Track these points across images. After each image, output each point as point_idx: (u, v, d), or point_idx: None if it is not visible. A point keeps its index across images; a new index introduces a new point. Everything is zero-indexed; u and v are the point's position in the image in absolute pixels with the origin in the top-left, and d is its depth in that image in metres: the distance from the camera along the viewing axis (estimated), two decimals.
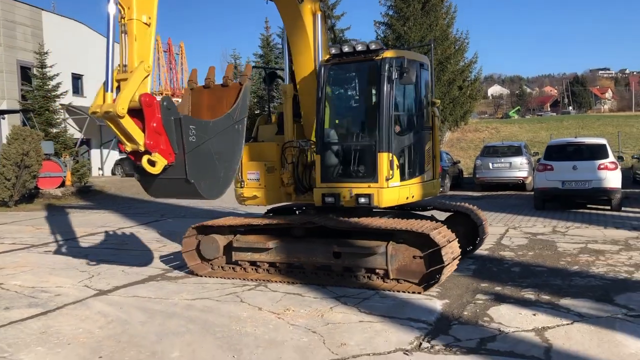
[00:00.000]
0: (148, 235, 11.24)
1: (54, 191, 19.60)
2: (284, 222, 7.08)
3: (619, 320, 5.19)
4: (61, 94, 25.58)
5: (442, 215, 8.02)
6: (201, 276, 7.36)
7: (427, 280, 6.29)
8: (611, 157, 13.33)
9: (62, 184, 20.27)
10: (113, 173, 30.83)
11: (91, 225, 13.10)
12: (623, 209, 13.29)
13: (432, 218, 7.46)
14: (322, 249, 6.76)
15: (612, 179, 12.93)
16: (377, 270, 6.51)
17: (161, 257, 8.95)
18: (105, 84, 4.99)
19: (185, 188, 5.37)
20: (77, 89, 29.72)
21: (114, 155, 31.83)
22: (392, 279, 6.45)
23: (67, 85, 27.05)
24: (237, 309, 5.88)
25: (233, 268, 7.44)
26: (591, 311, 5.49)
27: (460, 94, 39.23)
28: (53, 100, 24.95)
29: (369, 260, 6.50)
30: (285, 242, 7.04)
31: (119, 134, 5.13)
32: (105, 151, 31.38)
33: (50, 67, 24.88)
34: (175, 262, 8.45)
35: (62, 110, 26.07)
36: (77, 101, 28.42)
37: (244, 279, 7.14)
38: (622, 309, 5.53)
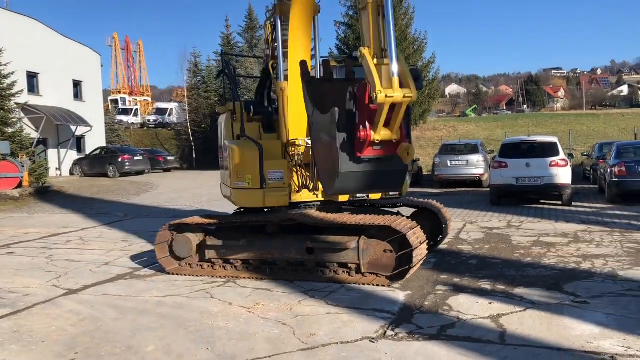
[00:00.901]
0: (113, 236, 11.22)
1: (12, 192, 19.16)
2: (264, 220, 7.27)
3: (567, 307, 5.60)
4: (16, 93, 24.96)
5: (408, 211, 8.36)
6: (170, 274, 7.48)
7: (396, 273, 6.59)
8: (562, 155, 13.99)
9: (20, 185, 19.84)
10: (71, 173, 30.24)
11: (53, 225, 12.95)
12: (573, 203, 13.96)
13: (398, 214, 7.77)
14: (296, 245, 6.99)
15: (563, 176, 13.59)
16: (349, 265, 6.78)
17: (128, 256, 8.99)
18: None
19: (389, 179, 5.74)
20: (33, 88, 28.99)
21: (72, 155, 31.23)
22: (365, 273, 6.73)
23: (22, 83, 26.39)
24: (208, 305, 6.05)
25: (201, 265, 7.59)
26: (542, 299, 5.90)
27: (419, 93, 39.87)
28: (8, 99, 24.32)
29: (342, 255, 6.77)
30: (259, 239, 7.24)
31: (381, 120, 5.16)
32: (62, 151, 30.73)
33: (5, 65, 24.24)
34: (143, 261, 8.53)
35: (17, 110, 25.42)
36: (33, 100, 27.75)
37: (213, 276, 7.30)
38: (570, 296, 5.96)
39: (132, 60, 67.32)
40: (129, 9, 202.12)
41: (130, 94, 63.40)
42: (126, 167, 29.01)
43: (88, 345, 4.90)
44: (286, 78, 7.30)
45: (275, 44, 7.61)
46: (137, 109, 53.51)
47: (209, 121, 38.29)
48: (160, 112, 50.59)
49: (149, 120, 49.48)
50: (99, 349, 4.81)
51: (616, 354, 4.30)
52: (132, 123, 48.07)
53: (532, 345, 4.59)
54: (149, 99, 66.80)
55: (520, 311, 5.50)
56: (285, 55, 7.37)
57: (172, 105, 51.09)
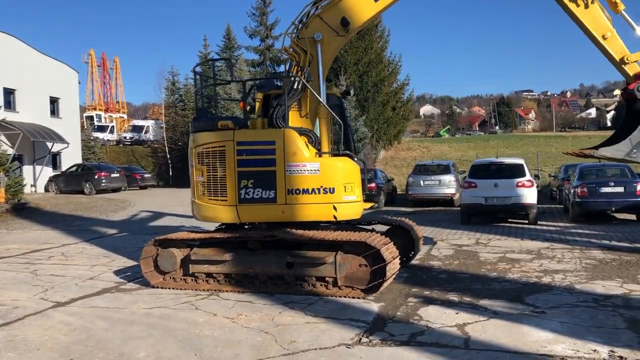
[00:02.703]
0: (94, 251, 11.45)
1: None
2: (246, 236, 7.67)
3: (527, 316, 6.11)
4: None
5: (383, 228, 8.85)
6: (155, 287, 7.80)
7: (370, 286, 7.04)
8: (528, 176, 14.71)
9: None
10: (46, 190, 30.10)
11: (33, 242, 13.09)
12: (539, 222, 14.66)
13: (373, 231, 8.24)
14: (276, 260, 7.41)
15: (529, 196, 14.28)
16: (326, 278, 7.20)
17: (112, 271, 9.27)
18: None
19: None
20: (10, 104, 28.94)
21: (47, 172, 31.10)
22: (341, 286, 7.16)
23: None
24: (193, 316, 6.41)
25: (185, 279, 7.93)
26: (505, 309, 6.40)
27: (394, 114, 40.91)
28: None
29: (320, 269, 7.20)
30: (241, 254, 7.61)
31: None
32: (38, 167, 30.60)
33: None
34: (127, 275, 8.83)
35: None
36: (9, 116, 27.70)
37: (196, 290, 7.64)
38: (529, 307, 6.48)
39: (109, 77, 67.19)
40: (107, 25, 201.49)
41: (106, 110, 63.18)
42: (103, 184, 29.01)
43: (82, 352, 5.22)
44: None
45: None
46: (113, 126, 53.40)
47: (185, 139, 38.49)
48: (137, 129, 50.58)
49: (125, 137, 49.41)
50: (93, 355, 5.13)
51: (566, 356, 4.81)
52: (108, 140, 47.94)
53: (493, 349, 5.06)
54: (125, 116, 66.60)
55: (484, 320, 5.98)
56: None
57: (149, 123, 51.11)
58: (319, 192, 7.50)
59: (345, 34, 8.03)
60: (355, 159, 8.16)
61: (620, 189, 14.43)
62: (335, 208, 7.55)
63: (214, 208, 7.79)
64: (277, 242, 7.43)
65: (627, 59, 8.36)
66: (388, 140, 42.02)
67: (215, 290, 7.56)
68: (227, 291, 7.50)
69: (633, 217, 14.81)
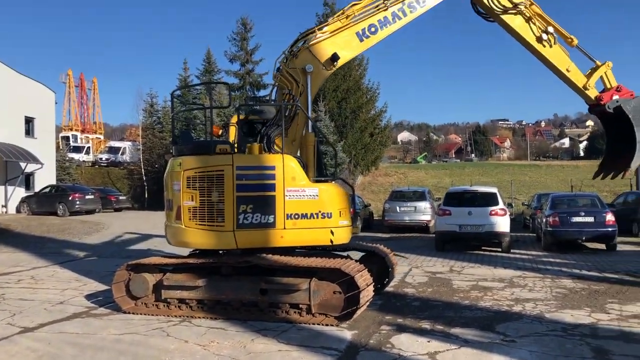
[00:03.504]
0: (66, 275, 11.26)
1: None
2: (220, 262, 7.63)
3: (497, 345, 6.19)
4: None
5: (358, 255, 8.89)
6: (126, 312, 7.70)
7: (344, 313, 7.05)
8: (501, 204, 14.96)
9: None
10: (18, 211, 29.52)
11: (2, 265, 12.81)
12: (512, 250, 14.86)
13: (348, 257, 8.27)
14: (249, 286, 7.37)
15: (502, 224, 14.51)
16: (300, 305, 7.18)
17: (83, 295, 9.12)
18: None
19: None
20: None
21: (20, 192, 30.55)
22: (315, 313, 7.15)
23: None
24: (164, 342, 6.34)
25: (157, 305, 7.84)
26: (476, 338, 6.47)
27: (372, 140, 41.31)
28: None
29: (294, 296, 7.18)
30: (214, 280, 7.57)
31: None
32: (10, 188, 30.05)
33: None
34: (98, 300, 8.69)
35: None
36: None
37: (168, 316, 7.56)
38: (500, 336, 6.56)
39: (86, 98, 66.78)
40: (86, 46, 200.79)
41: (83, 131, 62.60)
42: (76, 206, 28.58)
43: None
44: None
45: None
46: (89, 147, 52.85)
47: (162, 161, 38.27)
48: (113, 150, 50.16)
49: (101, 159, 48.91)
50: None
51: None
52: (84, 161, 47.40)
53: None
54: (102, 137, 66.06)
55: (455, 349, 6.04)
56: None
57: (126, 144, 50.73)
58: (318, 217, 7.60)
59: (331, 68, 8.42)
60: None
61: (591, 219, 14.75)
62: (332, 232, 7.69)
63: (206, 234, 7.57)
64: (251, 268, 7.42)
65: (587, 86, 9.50)
66: (366, 166, 42.32)
67: (187, 317, 7.48)
68: (199, 317, 7.44)
69: (603, 246, 15.11)
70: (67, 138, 54.99)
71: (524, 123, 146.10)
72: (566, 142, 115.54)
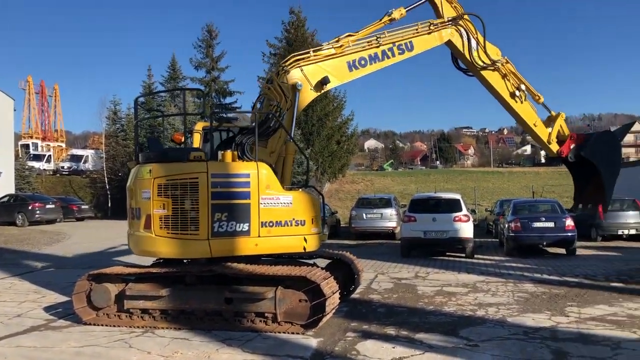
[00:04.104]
0: (24, 287, 10.93)
1: None
2: (184, 271, 7.51)
3: (460, 349, 6.27)
4: None
5: (324, 262, 8.90)
6: (87, 324, 7.52)
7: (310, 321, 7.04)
8: (464, 211, 15.19)
9: None
10: None
11: None
12: (476, 256, 15.11)
13: (314, 265, 8.27)
14: (214, 295, 7.29)
15: (466, 230, 14.74)
16: (266, 314, 7.13)
17: (42, 307, 8.87)
18: None
19: None
20: None
21: None
22: (281, 322, 7.10)
23: None
24: (126, 354, 6.21)
25: (119, 316, 7.68)
26: (440, 343, 6.54)
27: (338, 148, 41.51)
28: None
29: (259, 304, 7.13)
30: (178, 289, 7.45)
31: None
32: None
33: None
34: (58, 312, 8.47)
35: None
36: None
37: (131, 327, 7.41)
38: (463, 340, 6.65)
39: (47, 105, 65.21)
40: (47, 52, 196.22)
41: (43, 139, 61.05)
42: (36, 216, 27.86)
43: None
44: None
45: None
46: (50, 155, 51.52)
47: (126, 169, 37.63)
48: (75, 158, 49.07)
49: (62, 167, 47.76)
50: None
51: None
52: (44, 169, 46.20)
53: None
54: (63, 145, 64.55)
55: (419, 354, 6.09)
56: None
57: (88, 152, 49.73)
58: (292, 225, 7.64)
59: (320, 90, 8.72)
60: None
61: (551, 224, 15.12)
62: (305, 240, 7.75)
63: (179, 242, 7.39)
64: (216, 277, 7.34)
65: (550, 139, 10.52)
66: (333, 173, 42.51)
67: (150, 327, 7.35)
68: (162, 328, 7.32)
69: (563, 251, 15.49)
70: (26, 146, 53.57)
71: (487, 130, 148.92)
72: (528, 149, 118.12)
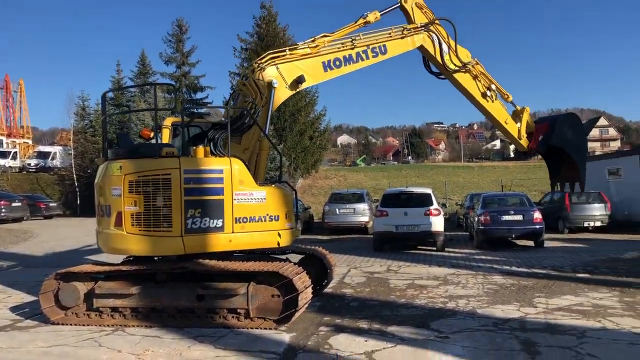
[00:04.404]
0: None
1: None
2: (154, 268, 7.42)
3: (431, 341, 6.35)
4: None
5: (297, 257, 8.90)
6: (55, 324, 7.38)
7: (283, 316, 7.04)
8: (435, 205, 15.37)
9: None
10: None
11: None
12: (447, 249, 15.30)
13: (287, 260, 8.26)
14: (186, 292, 7.23)
15: (436, 224, 14.91)
16: (238, 310, 7.10)
17: (8, 307, 8.67)
18: None
19: None
20: None
21: None
22: (253, 317, 7.08)
23: None
24: (96, 353, 6.12)
25: (88, 315, 7.56)
26: (411, 335, 6.61)
27: (311, 143, 41.49)
28: None
29: (232, 300, 7.10)
30: (149, 287, 7.37)
31: None
32: None
33: None
34: (25, 312, 8.29)
35: None
36: None
37: (101, 325, 7.30)
38: (434, 332, 6.73)
39: (12, 101, 63.52)
40: (12, 46, 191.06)
41: (9, 135, 59.46)
42: (2, 214, 27.19)
43: None
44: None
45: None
46: (15, 152, 50.23)
47: (95, 166, 37.00)
48: (42, 155, 47.91)
49: (29, 164, 46.59)
50: None
51: None
52: (10, 166, 45.03)
53: None
54: (30, 141, 62.99)
55: (391, 347, 6.15)
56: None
57: (56, 149, 48.65)
58: (265, 220, 7.67)
59: (295, 89, 8.76)
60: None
61: (520, 217, 15.40)
62: (279, 235, 7.79)
63: (152, 240, 7.29)
64: (187, 274, 7.28)
65: (521, 135, 10.90)
66: (306, 169, 42.46)
67: (121, 326, 7.25)
68: (133, 326, 7.22)
69: (531, 243, 15.80)
70: None
71: (457, 126, 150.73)
72: (497, 143, 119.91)
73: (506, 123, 10.79)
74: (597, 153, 63.34)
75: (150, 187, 7.26)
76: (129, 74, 44.21)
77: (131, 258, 7.99)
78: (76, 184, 38.23)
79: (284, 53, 8.72)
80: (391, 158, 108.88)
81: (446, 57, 10.09)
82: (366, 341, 6.37)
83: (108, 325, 7.27)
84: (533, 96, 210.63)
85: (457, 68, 10.17)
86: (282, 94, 8.69)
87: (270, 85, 8.34)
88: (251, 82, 8.45)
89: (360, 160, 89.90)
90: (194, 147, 7.63)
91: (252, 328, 6.97)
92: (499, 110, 10.73)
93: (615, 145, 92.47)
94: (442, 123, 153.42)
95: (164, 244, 7.29)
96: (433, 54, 10.05)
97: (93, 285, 7.50)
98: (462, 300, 8.56)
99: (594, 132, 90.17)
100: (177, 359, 5.83)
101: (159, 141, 7.81)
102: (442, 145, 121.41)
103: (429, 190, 16.25)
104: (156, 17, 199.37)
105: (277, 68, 8.55)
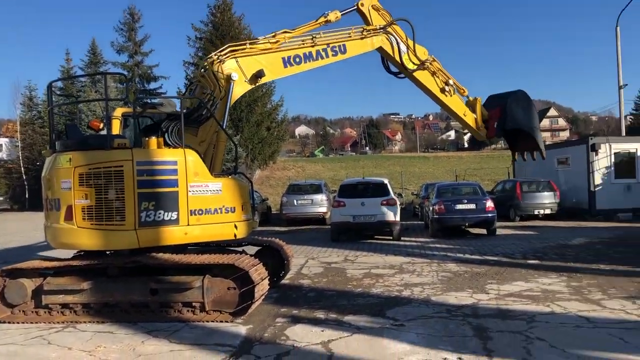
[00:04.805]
0: None
1: None
2: (106, 263, 7.24)
3: (387, 329, 6.43)
4: None
5: (253, 249, 8.84)
6: (1, 322, 7.11)
7: (239, 309, 6.99)
8: (391, 195, 15.54)
9: None
10: None
11: None
12: (403, 238, 15.52)
13: (243, 252, 8.20)
14: (139, 286, 7.08)
15: (392, 213, 15.09)
16: (193, 304, 7.01)
17: None
18: None
19: None
20: None
21: None
22: (209, 311, 7.00)
23: None
24: (45, 351, 5.94)
25: (37, 312, 7.32)
26: (367, 324, 6.68)
27: (269, 134, 41.28)
28: None
29: (186, 294, 7.00)
30: (100, 282, 7.19)
31: None
32: None
33: None
34: None
35: None
36: None
37: (50, 323, 7.09)
38: (390, 320, 6.82)
39: None
40: None
41: None
42: None
43: None
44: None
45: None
46: None
47: (43, 159, 35.82)
48: None
49: None
50: None
51: None
52: None
53: None
54: None
55: (348, 336, 6.19)
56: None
57: (2, 141, 46.87)
58: (221, 212, 7.59)
59: (254, 83, 8.72)
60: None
61: (473, 206, 15.73)
62: (236, 227, 7.73)
63: (104, 234, 7.09)
64: (140, 268, 7.14)
65: (479, 125, 11.23)
66: (263, 160, 42.26)
67: (71, 322, 7.06)
68: (85, 322, 7.05)
69: (484, 231, 16.18)
70: None
71: (413, 117, 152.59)
72: (452, 134, 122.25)
73: (465, 115, 11.05)
74: (547, 143, 65.43)
75: (102, 180, 7.06)
76: (80, 64, 42.96)
77: (82, 253, 7.77)
78: (24, 177, 36.95)
79: (244, 47, 8.65)
80: (349, 149, 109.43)
81: (404, 57, 10.20)
82: (323, 331, 6.40)
83: (58, 323, 7.07)
84: (484, 88, 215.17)
85: (415, 67, 10.30)
86: (241, 88, 8.61)
87: (229, 79, 8.25)
88: (210, 74, 8.34)
89: (319, 151, 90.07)
90: (147, 139, 7.46)
91: (208, 321, 6.90)
92: (457, 104, 10.98)
93: (564, 135, 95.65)
94: (398, 114, 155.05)
95: (117, 237, 7.11)
96: (392, 54, 10.16)
97: (41, 282, 7.27)
98: (417, 288, 8.70)
99: (545, 123, 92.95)
100: (130, 355, 5.71)
101: (110, 132, 7.59)
102: (398, 136, 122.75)
103: (385, 181, 16.40)
104: (107, 4, 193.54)
105: (237, 61, 8.47)
